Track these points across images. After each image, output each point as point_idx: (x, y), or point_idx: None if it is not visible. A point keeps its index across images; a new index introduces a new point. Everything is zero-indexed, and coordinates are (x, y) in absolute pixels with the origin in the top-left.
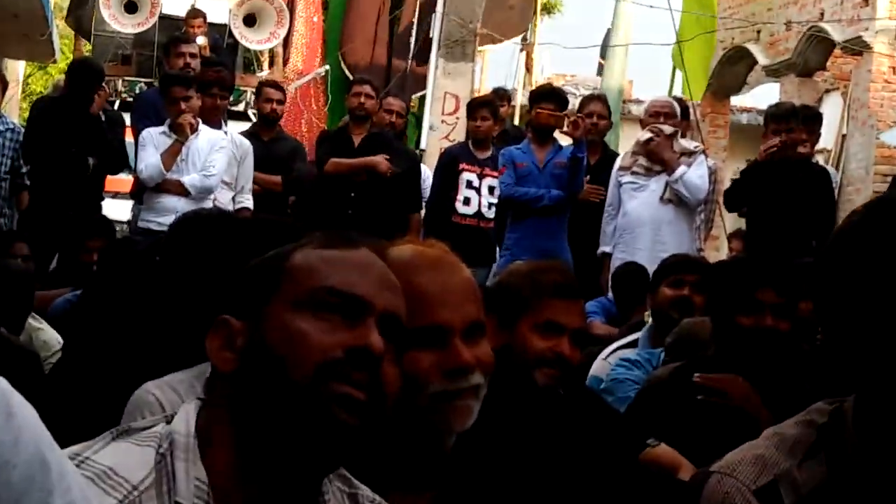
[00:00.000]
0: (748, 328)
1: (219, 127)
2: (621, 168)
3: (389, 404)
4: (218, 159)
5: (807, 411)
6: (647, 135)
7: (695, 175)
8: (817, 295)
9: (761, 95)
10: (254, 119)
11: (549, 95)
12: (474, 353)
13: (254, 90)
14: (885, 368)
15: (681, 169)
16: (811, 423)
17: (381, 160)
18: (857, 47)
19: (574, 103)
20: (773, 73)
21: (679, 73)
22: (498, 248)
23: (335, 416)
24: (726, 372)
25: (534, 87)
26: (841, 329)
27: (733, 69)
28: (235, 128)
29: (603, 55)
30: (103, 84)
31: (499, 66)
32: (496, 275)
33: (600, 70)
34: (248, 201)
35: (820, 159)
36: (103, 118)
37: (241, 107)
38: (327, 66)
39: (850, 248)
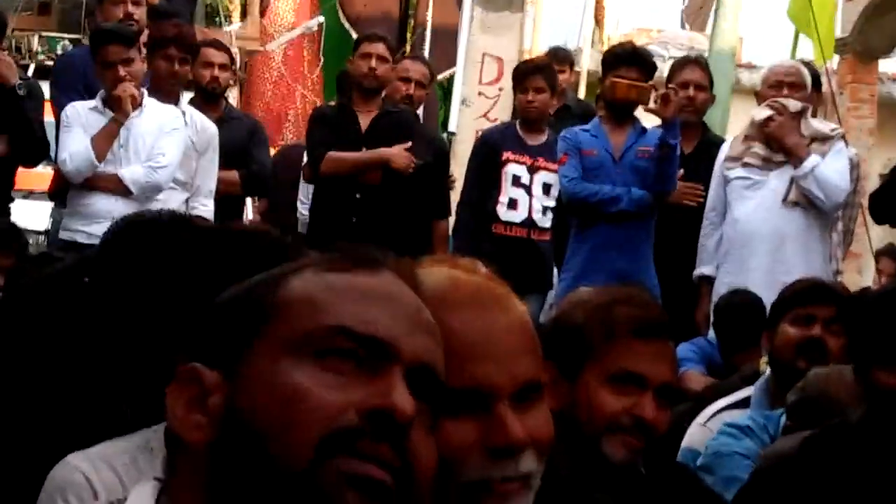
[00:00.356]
0: (891, 389)
1: (175, 102)
2: (729, 159)
3: (423, 490)
4: (169, 146)
5: None
6: (765, 112)
7: (831, 168)
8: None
9: None
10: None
11: (629, 59)
12: (527, 426)
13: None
14: None
15: (812, 159)
16: None
17: (399, 153)
18: None
19: (663, 69)
20: None
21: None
22: (556, 270)
23: None
24: (874, 446)
25: (607, 47)
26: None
27: (882, 23)
28: None
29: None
30: (5, 39)
31: (558, 19)
32: (553, 306)
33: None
34: (206, 208)
35: None
36: (21, 90)
37: None
38: (321, 18)
39: None
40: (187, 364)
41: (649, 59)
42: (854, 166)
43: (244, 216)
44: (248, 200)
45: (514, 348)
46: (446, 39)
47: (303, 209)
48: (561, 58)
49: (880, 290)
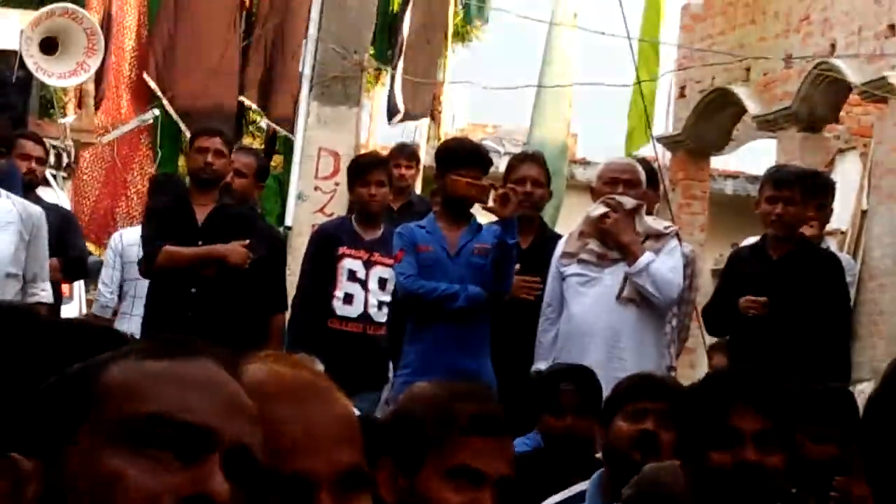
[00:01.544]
0: (721, 467)
1: None
2: (565, 255)
3: None
4: (1, 241)
5: None
6: (600, 209)
7: (665, 265)
8: (868, 438)
9: (750, 156)
10: (54, 185)
11: (467, 157)
12: None
13: (54, 143)
14: None
15: (646, 257)
16: None
17: (235, 249)
18: (881, 92)
19: (499, 164)
20: (768, 125)
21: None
22: (392, 366)
23: None
24: None
25: (442, 142)
26: None
27: (714, 120)
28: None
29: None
30: None
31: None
32: (389, 401)
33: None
34: (45, 292)
35: (832, 244)
36: None
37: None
38: (156, 111)
39: None
40: (3, 455)
41: (487, 157)
42: (689, 262)
43: (75, 301)
44: (78, 289)
45: (334, 438)
46: None
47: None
48: (408, 153)
49: (706, 375)
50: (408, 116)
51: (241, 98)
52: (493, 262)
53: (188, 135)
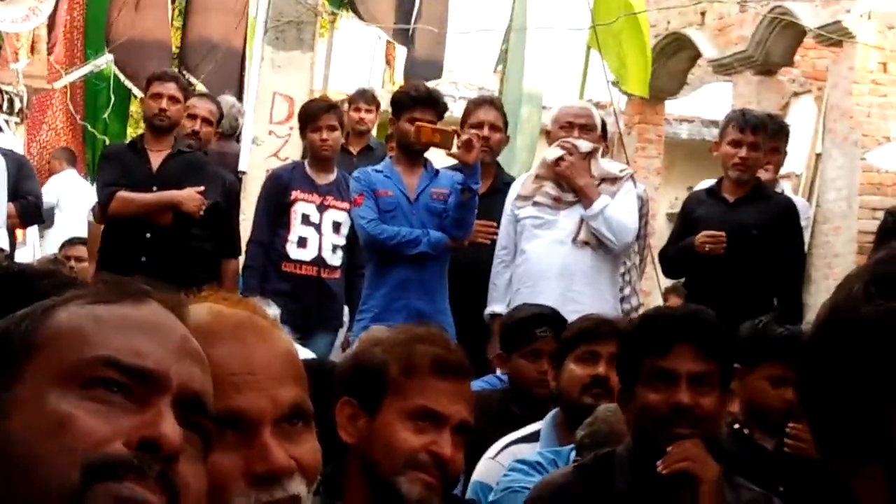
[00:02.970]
0: (656, 407)
1: None
2: (519, 197)
3: None
4: None
5: None
6: (556, 152)
7: (621, 209)
8: (805, 382)
9: (705, 100)
10: (6, 130)
11: (423, 101)
12: (292, 452)
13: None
14: None
15: (602, 200)
16: None
17: (190, 195)
18: (836, 36)
19: (453, 109)
20: (723, 69)
21: (594, 68)
22: (347, 308)
23: None
24: (639, 471)
25: (398, 87)
26: (840, 430)
27: (669, 64)
28: None
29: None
30: None
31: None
32: (351, 344)
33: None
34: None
35: (786, 187)
36: None
37: None
38: (110, 56)
39: (850, 330)
40: None
41: (442, 101)
42: (644, 203)
43: (30, 248)
44: (32, 234)
45: (275, 376)
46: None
47: None
48: (368, 97)
49: (646, 314)
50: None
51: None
52: (456, 207)
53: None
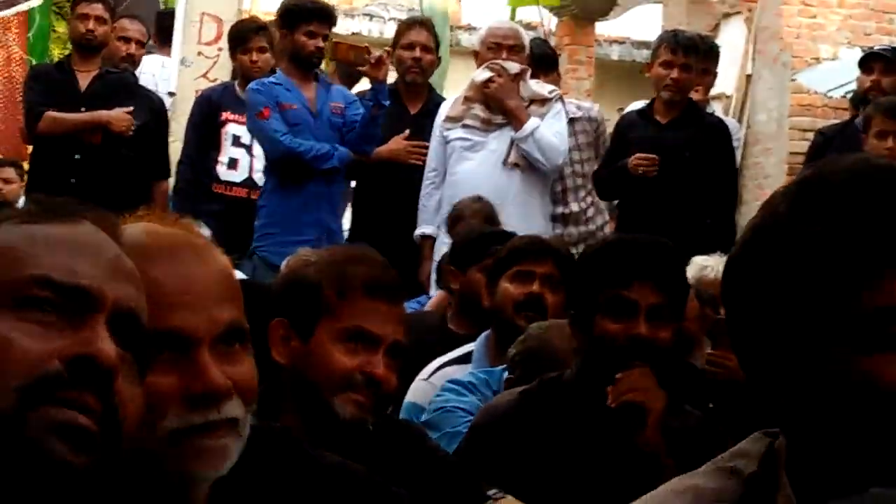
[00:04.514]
0: (614, 337)
1: None
2: (448, 119)
3: (128, 435)
4: None
5: (730, 454)
6: (485, 74)
7: (551, 130)
8: (729, 304)
9: (635, 22)
10: None
11: (317, 12)
12: (230, 373)
13: None
14: (823, 402)
15: (531, 122)
16: (735, 472)
17: (119, 115)
18: None
19: (383, 30)
20: None
21: None
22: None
23: (52, 454)
24: (586, 398)
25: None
26: (764, 350)
27: None
28: None
29: None
30: None
31: None
32: (257, 260)
33: None
34: None
35: (717, 108)
36: None
37: None
38: None
39: (774, 249)
40: None
41: (333, 13)
42: (599, 123)
43: None
44: None
45: (212, 295)
46: None
47: None
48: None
49: (602, 241)
50: None
51: None
52: (365, 122)
53: None
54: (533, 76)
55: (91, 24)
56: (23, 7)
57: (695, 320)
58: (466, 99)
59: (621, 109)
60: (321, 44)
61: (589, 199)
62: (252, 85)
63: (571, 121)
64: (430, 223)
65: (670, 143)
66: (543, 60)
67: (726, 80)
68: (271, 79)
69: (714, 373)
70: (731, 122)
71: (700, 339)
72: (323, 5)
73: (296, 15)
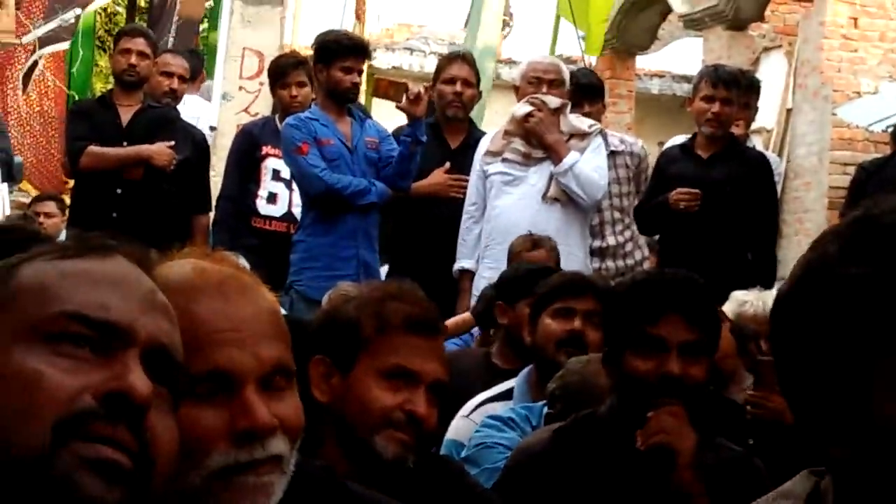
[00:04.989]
0: (644, 374)
1: None
2: (488, 153)
3: (163, 473)
4: None
5: (776, 493)
6: (525, 108)
7: (590, 165)
8: (777, 343)
9: (676, 56)
10: None
11: (353, 48)
12: (275, 411)
13: None
14: (870, 444)
15: (571, 156)
16: None
17: (160, 150)
18: None
19: (423, 64)
20: (694, 24)
21: (565, 24)
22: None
23: (86, 489)
24: (619, 436)
25: (320, 35)
26: (812, 390)
27: (640, 19)
28: None
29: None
30: None
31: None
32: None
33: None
34: None
35: (757, 142)
36: None
37: None
38: (78, 10)
39: (823, 290)
40: None
41: (368, 47)
42: (641, 159)
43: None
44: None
45: (259, 334)
46: (189, 29)
47: None
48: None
49: (631, 277)
50: None
51: None
52: (402, 158)
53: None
54: (578, 105)
55: (133, 59)
56: (62, 46)
57: (733, 355)
58: (506, 133)
59: (661, 143)
60: (357, 79)
61: (627, 234)
62: (289, 120)
63: (612, 153)
64: (469, 257)
65: (712, 177)
66: (589, 90)
67: (767, 114)
68: (307, 114)
69: (756, 413)
70: (771, 156)
71: (739, 374)
72: (359, 40)
73: (332, 51)
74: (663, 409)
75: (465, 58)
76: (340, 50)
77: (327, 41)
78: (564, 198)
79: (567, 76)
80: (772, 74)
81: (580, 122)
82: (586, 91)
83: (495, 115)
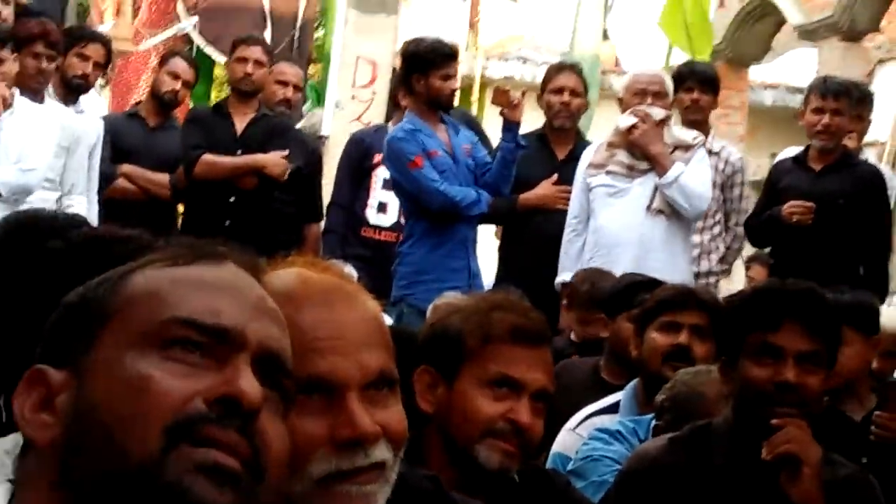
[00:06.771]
0: (761, 382)
1: (41, 100)
2: (592, 166)
3: (275, 479)
4: (39, 147)
5: None
6: (629, 120)
7: (695, 177)
8: None
9: (789, 67)
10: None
11: (447, 56)
12: (378, 418)
13: None
14: None
15: (676, 168)
16: None
17: (275, 160)
18: None
19: (534, 74)
20: (808, 35)
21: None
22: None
23: (197, 494)
24: (737, 445)
25: (409, 43)
26: None
27: (754, 30)
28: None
29: None
30: None
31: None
32: (404, 309)
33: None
34: (81, 205)
35: (870, 155)
36: None
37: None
38: (195, 18)
39: None
40: (33, 366)
41: (457, 52)
42: (738, 170)
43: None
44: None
45: (362, 341)
46: (284, 28)
47: None
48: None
49: (750, 287)
50: None
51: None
52: (504, 163)
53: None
54: (688, 91)
55: (249, 68)
56: (170, 33)
57: (856, 370)
58: (610, 145)
59: (774, 155)
60: (456, 85)
61: (696, 238)
62: (396, 133)
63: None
64: (571, 270)
65: (824, 190)
66: (703, 78)
67: (881, 126)
68: (408, 125)
69: (881, 436)
70: (885, 169)
71: (860, 390)
72: (453, 46)
73: (429, 60)
74: (789, 420)
75: (573, 68)
76: (439, 58)
77: (423, 50)
78: (669, 210)
79: (671, 88)
80: (887, 86)
81: (684, 133)
82: (699, 78)
83: (603, 125)
